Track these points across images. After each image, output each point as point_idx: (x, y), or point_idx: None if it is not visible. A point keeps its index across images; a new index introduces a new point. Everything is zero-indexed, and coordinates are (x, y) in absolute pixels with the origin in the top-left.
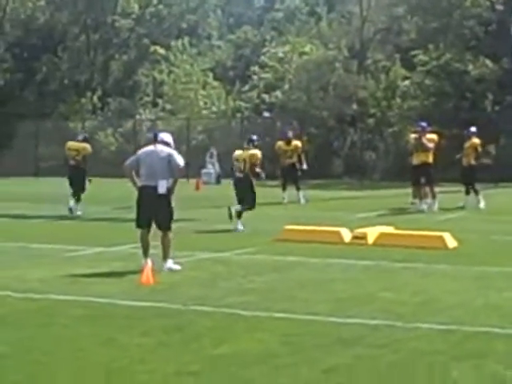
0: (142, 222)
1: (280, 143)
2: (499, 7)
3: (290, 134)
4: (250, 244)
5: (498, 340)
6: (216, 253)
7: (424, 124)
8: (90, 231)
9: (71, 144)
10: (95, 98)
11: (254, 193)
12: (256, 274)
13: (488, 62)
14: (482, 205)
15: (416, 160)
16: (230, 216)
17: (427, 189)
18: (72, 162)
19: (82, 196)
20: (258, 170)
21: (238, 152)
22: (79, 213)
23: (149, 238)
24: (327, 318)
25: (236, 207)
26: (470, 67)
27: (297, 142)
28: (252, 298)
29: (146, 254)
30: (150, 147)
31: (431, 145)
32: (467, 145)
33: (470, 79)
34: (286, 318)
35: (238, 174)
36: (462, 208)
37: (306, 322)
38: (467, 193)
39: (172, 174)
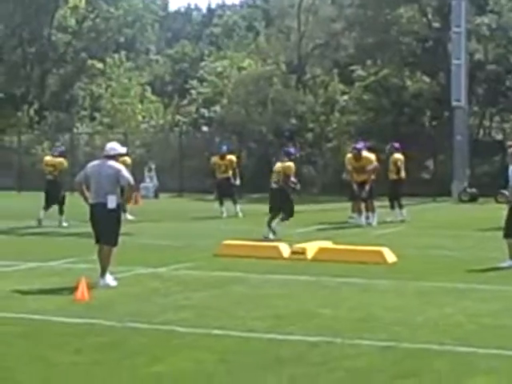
0: (97, 239)
1: (215, 158)
2: (436, 24)
3: (225, 148)
4: (188, 259)
5: (438, 357)
6: (153, 268)
7: (359, 146)
8: (25, 246)
9: (48, 159)
10: (32, 112)
11: (291, 202)
12: (193, 290)
13: (425, 77)
14: (400, 218)
15: (358, 178)
16: (274, 233)
17: (367, 203)
18: (49, 177)
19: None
20: (292, 179)
21: (277, 164)
22: (65, 224)
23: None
24: (265, 335)
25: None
26: (408, 83)
27: (231, 157)
28: (189, 314)
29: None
30: (98, 162)
31: (371, 167)
32: (390, 160)
33: (408, 95)
34: (224, 335)
35: (273, 185)
36: (391, 223)
37: (244, 340)
38: (392, 207)
39: (122, 188)
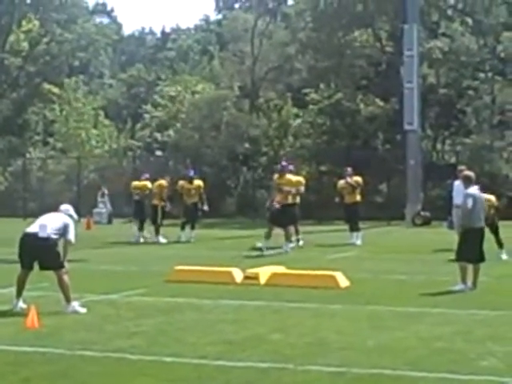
0: (24, 264)
1: (182, 182)
2: (389, 48)
3: (192, 172)
4: (140, 285)
5: (389, 382)
6: (105, 295)
7: (284, 163)
8: None
9: (135, 184)
10: None
11: None
12: (145, 317)
13: (378, 101)
14: (358, 242)
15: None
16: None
17: (292, 229)
18: (136, 197)
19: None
20: None
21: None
22: (141, 240)
23: (26, 279)
24: (216, 362)
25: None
26: (361, 106)
27: (199, 182)
28: (140, 341)
29: (19, 294)
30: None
31: (287, 188)
32: (350, 182)
33: (362, 118)
34: (174, 362)
35: None
36: (354, 245)
37: (195, 366)
38: (352, 230)
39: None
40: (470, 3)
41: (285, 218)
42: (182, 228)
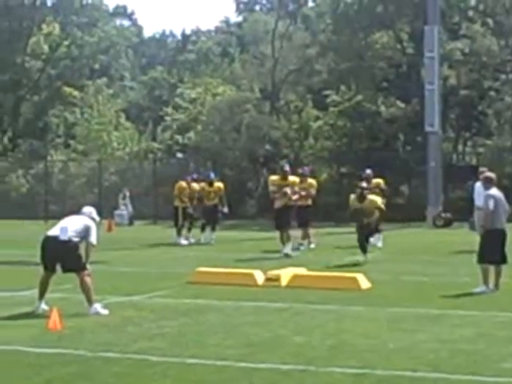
0: (46, 267)
1: (203, 185)
2: (409, 50)
3: (213, 175)
4: (162, 287)
5: None
6: (127, 296)
7: (287, 168)
8: None
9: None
10: (5, 139)
11: None
12: (167, 319)
13: (399, 103)
14: (379, 244)
15: (277, 202)
16: None
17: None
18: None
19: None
20: None
21: None
22: (192, 240)
23: (49, 281)
24: (238, 364)
25: None
26: (382, 108)
27: (219, 184)
28: (162, 343)
29: (42, 296)
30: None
31: (288, 189)
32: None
33: (382, 120)
34: (196, 363)
35: None
36: (375, 247)
37: (217, 368)
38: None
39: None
40: (490, 4)
41: (282, 219)
42: (202, 230)
